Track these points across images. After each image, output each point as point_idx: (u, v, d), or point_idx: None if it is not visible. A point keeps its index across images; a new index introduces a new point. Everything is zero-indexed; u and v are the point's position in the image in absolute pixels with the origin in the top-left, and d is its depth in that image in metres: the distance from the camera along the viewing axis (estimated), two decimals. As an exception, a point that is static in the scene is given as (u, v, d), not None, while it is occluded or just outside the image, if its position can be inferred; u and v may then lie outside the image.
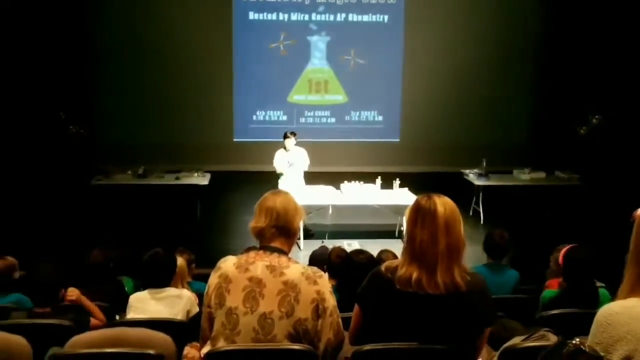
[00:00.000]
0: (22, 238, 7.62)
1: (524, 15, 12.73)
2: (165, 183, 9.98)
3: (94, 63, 12.21)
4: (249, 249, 3.17)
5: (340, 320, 2.75)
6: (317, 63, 13.07)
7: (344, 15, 12.86)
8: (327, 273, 4.36)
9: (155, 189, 9.89)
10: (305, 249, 8.15)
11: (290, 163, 8.90)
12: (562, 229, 8.24)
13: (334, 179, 9.42)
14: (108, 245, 5.24)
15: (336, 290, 4.15)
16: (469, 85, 12.82)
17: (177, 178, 10.03)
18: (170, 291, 4.12)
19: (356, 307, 2.76)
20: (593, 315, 2.16)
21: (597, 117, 11.01)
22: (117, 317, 4.28)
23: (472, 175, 10.20)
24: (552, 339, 2.62)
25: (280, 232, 2.78)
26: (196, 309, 4.04)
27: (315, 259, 5.03)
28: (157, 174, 10.16)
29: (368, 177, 9.22)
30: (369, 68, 13.01)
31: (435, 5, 12.80)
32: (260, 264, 2.71)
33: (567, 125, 11.63)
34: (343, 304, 3.24)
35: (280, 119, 13.09)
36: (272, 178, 8.95)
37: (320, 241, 8.34)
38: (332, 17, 12.85)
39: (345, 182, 9.04)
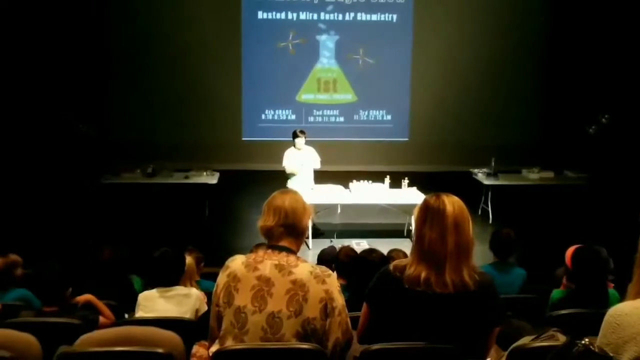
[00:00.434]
0: (31, 236, 7.66)
1: (534, 14, 12.67)
2: (174, 182, 10.02)
3: (103, 62, 12.24)
4: (257, 246, 3.18)
5: (348, 319, 2.74)
6: (326, 62, 13.06)
7: (352, 14, 12.85)
8: (335, 272, 4.36)
9: (164, 188, 9.92)
10: (314, 248, 8.15)
11: (302, 163, 8.88)
12: (571, 228, 8.21)
13: (343, 178, 9.41)
14: (117, 244, 5.25)
15: (347, 289, 4.17)
16: (477, 84, 12.78)
17: (186, 177, 10.06)
18: (179, 290, 4.12)
19: (364, 306, 2.76)
20: (602, 315, 2.16)
21: (606, 116, 10.96)
22: (126, 316, 4.29)
23: (480, 175, 10.18)
24: (562, 339, 2.61)
25: (288, 231, 2.77)
26: (205, 308, 4.04)
27: (324, 258, 5.03)
28: (166, 172, 10.20)
29: (377, 177, 9.21)
30: (377, 67, 12.99)
31: (444, 5, 12.77)
32: (268, 263, 2.71)
33: (577, 124, 11.58)
34: (354, 303, 3.23)
35: (289, 118, 13.09)
36: (280, 177, 8.94)
37: (328, 240, 8.35)
38: (340, 17, 12.85)
39: (354, 181, 9.03)
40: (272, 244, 2.78)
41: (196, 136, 12.45)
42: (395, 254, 4.74)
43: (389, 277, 2.65)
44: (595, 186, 10.01)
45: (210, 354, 2.74)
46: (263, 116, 13.12)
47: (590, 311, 3.69)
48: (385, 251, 4.82)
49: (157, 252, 4.26)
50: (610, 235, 6.38)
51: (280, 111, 13.13)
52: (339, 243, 7.32)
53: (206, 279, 5.25)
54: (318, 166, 8.97)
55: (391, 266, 2.69)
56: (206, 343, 2.98)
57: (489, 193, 9.90)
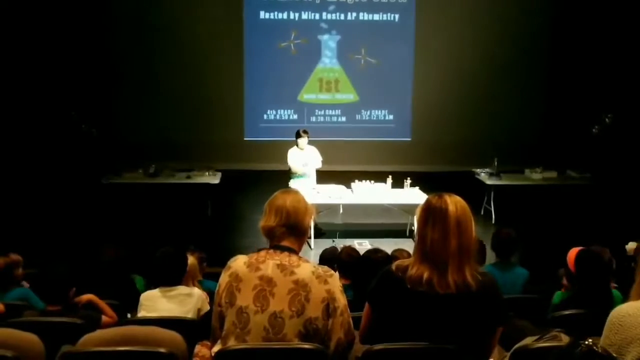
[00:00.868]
0: (34, 236, 7.67)
1: (536, 13, 12.64)
2: (177, 182, 10.03)
3: (107, 62, 12.22)
4: (260, 250, 3.17)
5: (350, 319, 2.74)
6: (328, 62, 13.06)
7: (354, 14, 12.84)
8: (337, 272, 4.36)
9: (167, 188, 9.93)
10: (316, 248, 8.15)
11: (305, 163, 8.88)
12: (574, 228, 8.20)
13: (345, 178, 9.41)
14: (119, 244, 5.26)
15: (350, 289, 4.17)
16: (480, 84, 12.76)
17: (188, 177, 10.07)
18: (181, 289, 4.12)
19: (366, 306, 2.76)
20: (605, 316, 2.15)
21: (609, 116, 10.94)
22: (129, 315, 4.30)
23: (483, 175, 10.17)
24: (565, 339, 2.61)
25: (290, 231, 2.77)
26: (207, 308, 4.04)
27: (326, 258, 5.03)
28: (168, 172, 10.21)
29: (379, 177, 9.20)
30: (379, 67, 12.98)
31: (446, 4, 12.75)
32: (270, 263, 2.71)
33: (579, 124, 11.56)
34: (358, 303, 3.23)
35: (291, 118, 13.09)
36: (283, 177, 8.94)
37: (330, 240, 8.34)
38: (342, 16, 12.84)
39: (356, 181, 9.03)
40: (274, 244, 2.78)
41: (198, 136, 12.45)
42: (399, 253, 4.74)
43: (391, 278, 2.65)
44: (599, 186, 9.99)
45: (213, 354, 2.74)
46: (265, 116, 13.12)
47: (594, 312, 3.68)
48: (387, 251, 4.83)
49: (159, 252, 4.26)
50: (613, 236, 6.38)
51: (282, 111, 13.13)
52: (340, 243, 7.32)
53: (208, 278, 5.25)
54: (319, 165, 9.00)
55: (393, 266, 2.68)
56: (208, 343, 2.98)
57: (492, 193, 9.89)
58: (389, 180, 9.00)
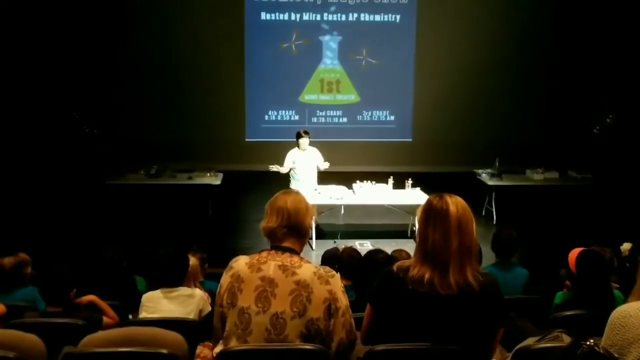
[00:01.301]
0: (35, 237, 7.67)
1: (537, 14, 12.65)
2: (178, 183, 10.03)
3: (108, 64, 12.23)
4: (261, 251, 3.17)
5: (352, 320, 2.74)
6: (329, 63, 13.06)
7: (355, 15, 12.85)
8: (339, 273, 4.36)
9: (168, 189, 9.94)
10: (317, 248, 8.16)
11: (293, 160, 8.86)
12: (576, 229, 8.20)
13: (346, 178, 9.41)
14: (121, 245, 5.26)
15: (352, 289, 4.17)
16: (481, 84, 12.77)
17: (189, 178, 10.07)
18: (183, 290, 4.12)
19: (368, 307, 2.75)
20: (607, 316, 2.15)
21: (610, 116, 10.94)
22: (130, 317, 4.30)
23: (484, 175, 10.17)
24: (566, 340, 2.60)
25: (291, 232, 2.77)
26: (208, 308, 4.04)
27: (327, 259, 5.03)
28: (170, 173, 10.22)
29: (380, 177, 9.20)
30: (380, 68, 12.99)
31: (447, 5, 12.76)
32: (272, 263, 2.71)
33: (581, 124, 11.56)
34: (359, 304, 3.23)
35: (292, 118, 13.10)
36: (284, 178, 8.95)
37: (332, 241, 8.35)
38: (343, 17, 12.85)
39: (357, 181, 9.03)
40: (275, 245, 2.78)
41: (199, 137, 12.46)
42: (398, 253, 4.75)
43: (392, 278, 2.64)
44: (600, 187, 9.99)
45: (214, 355, 2.74)
46: (266, 117, 13.13)
47: (595, 312, 3.68)
48: (389, 252, 4.83)
49: (161, 253, 4.26)
50: (615, 236, 6.37)
51: (283, 112, 13.14)
52: (342, 244, 7.33)
53: (210, 279, 5.24)
54: (323, 166, 8.96)
55: (394, 267, 2.68)
56: (210, 344, 2.98)
57: (493, 193, 9.90)
58: (390, 180, 9.00)
